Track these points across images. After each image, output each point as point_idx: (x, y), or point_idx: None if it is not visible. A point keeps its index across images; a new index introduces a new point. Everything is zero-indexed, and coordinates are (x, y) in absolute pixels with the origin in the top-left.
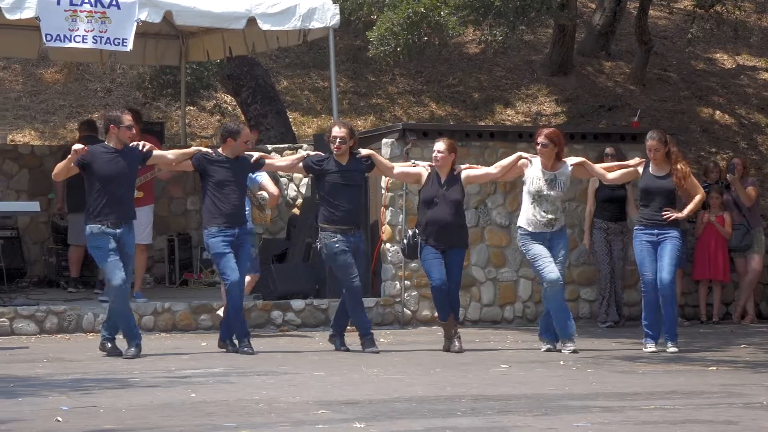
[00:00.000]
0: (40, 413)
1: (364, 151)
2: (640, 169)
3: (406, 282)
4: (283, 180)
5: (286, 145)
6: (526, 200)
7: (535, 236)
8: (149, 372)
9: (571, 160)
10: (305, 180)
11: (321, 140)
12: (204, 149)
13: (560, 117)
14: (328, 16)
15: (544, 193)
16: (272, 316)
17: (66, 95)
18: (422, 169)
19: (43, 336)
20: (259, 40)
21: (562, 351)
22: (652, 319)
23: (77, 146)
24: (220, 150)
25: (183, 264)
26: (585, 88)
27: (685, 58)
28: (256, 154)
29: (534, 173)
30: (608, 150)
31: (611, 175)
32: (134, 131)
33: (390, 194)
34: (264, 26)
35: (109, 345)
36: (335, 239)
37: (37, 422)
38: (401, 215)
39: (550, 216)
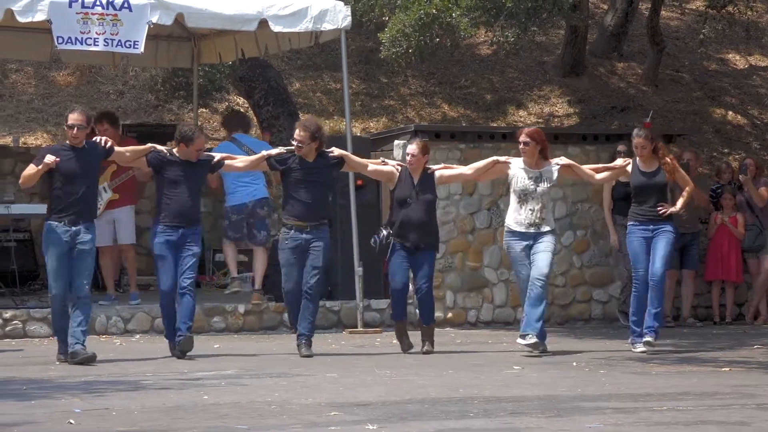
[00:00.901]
0: (52, 416)
1: (336, 152)
2: (629, 168)
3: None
4: None
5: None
6: (512, 200)
7: (522, 236)
8: (162, 374)
9: (558, 161)
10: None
11: (334, 142)
12: (159, 147)
13: (572, 118)
14: (340, 17)
15: (530, 189)
16: (285, 318)
17: (78, 98)
18: (392, 168)
19: (51, 339)
20: (271, 42)
21: (518, 341)
22: (641, 315)
23: (49, 159)
24: (174, 150)
25: None
26: (597, 89)
27: (697, 58)
28: (217, 156)
29: (518, 172)
30: (620, 147)
31: (599, 176)
32: (76, 131)
33: None
34: (276, 28)
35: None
36: (287, 235)
37: (49, 425)
38: None
39: (536, 214)
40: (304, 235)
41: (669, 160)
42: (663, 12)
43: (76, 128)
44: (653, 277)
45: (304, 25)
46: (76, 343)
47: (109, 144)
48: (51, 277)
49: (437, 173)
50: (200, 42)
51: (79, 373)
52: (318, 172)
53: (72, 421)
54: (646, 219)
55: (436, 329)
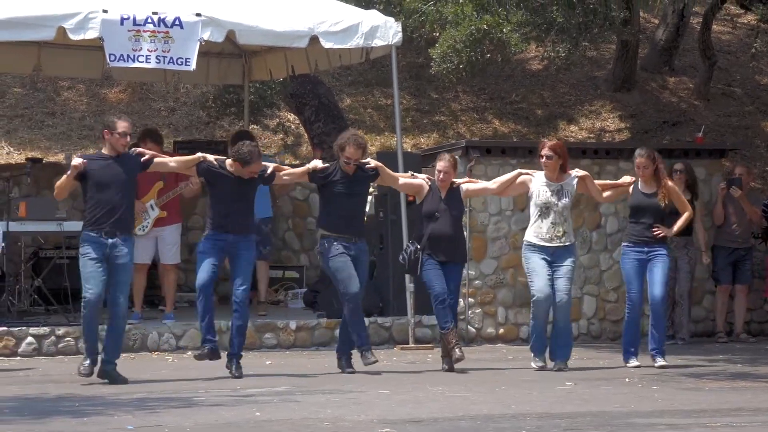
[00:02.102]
0: None
1: (373, 163)
2: (631, 188)
3: (470, 299)
4: None
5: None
6: (533, 213)
7: (541, 249)
8: (214, 391)
9: (575, 173)
10: (368, 197)
11: (384, 158)
12: (210, 157)
13: (624, 133)
14: (391, 34)
15: (552, 203)
16: (336, 335)
17: (130, 115)
18: (422, 181)
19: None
20: (322, 58)
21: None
22: (632, 336)
23: (77, 161)
24: (227, 163)
25: None
26: (649, 103)
27: (749, 72)
28: (270, 166)
29: (539, 186)
30: (677, 166)
31: (605, 195)
32: (128, 139)
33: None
34: (327, 45)
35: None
36: (332, 245)
37: None
38: (465, 232)
39: (558, 228)
40: (351, 246)
41: (667, 184)
42: (714, 26)
43: (128, 136)
44: (653, 302)
45: (355, 42)
46: (108, 362)
47: (146, 156)
48: (85, 282)
49: (463, 187)
50: (251, 59)
51: (132, 390)
52: (359, 185)
53: None
54: (641, 241)
55: (489, 345)
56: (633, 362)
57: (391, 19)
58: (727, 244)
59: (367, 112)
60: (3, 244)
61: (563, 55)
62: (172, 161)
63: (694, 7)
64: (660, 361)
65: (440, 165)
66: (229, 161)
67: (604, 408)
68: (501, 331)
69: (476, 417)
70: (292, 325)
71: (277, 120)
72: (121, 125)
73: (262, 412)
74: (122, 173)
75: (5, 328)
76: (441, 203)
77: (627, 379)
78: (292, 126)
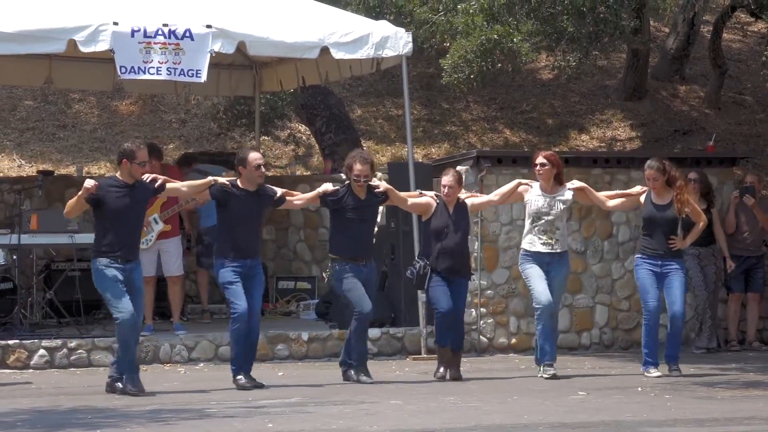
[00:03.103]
0: None
1: (382, 186)
2: (642, 198)
3: (482, 309)
4: None
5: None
6: (527, 222)
7: (535, 257)
8: (226, 402)
9: (571, 185)
10: (380, 208)
11: (395, 168)
12: (221, 180)
13: (635, 142)
14: (401, 44)
15: (544, 212)
16: None
17: (141, 127)
18: (430, 199)
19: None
20: (333, 69)
21: (542, 376)
22: (652, 345)
23: (89, 183)
24: (237, 182)
25: None
26: (660, 112)
27: (759, 81)
28: (279, 191)
29: (534, 196)
30: (692, 175)
31: (611, 203)
32: (147, 168)
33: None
34: (337, 55)
35: (120, 385)
36: (344, 267)
37: None
38: (477, 242)
39: (549, 235)
40: (362, 269)
41: (682, 194)
42: (725, 34)
43: (147, 165)
44: (674, 320)
45: (366, 52)
46: (117, 381)
47: (159, 182)
48: (116, 304)
49: (468, 202)
50: (262, 70)
51: (144, 402)
52: (369, 209)
53: None
54: (655, 254)
55: (501, 355)
56: (654, 372)
57: (402, 30)
58: (739, 252)
59: (377, 122)
60: (2, 262)
61: (574, 64)
62: (183, 186)
63: (704, 15)
64: (675, 371)
65: (445, 180)
66: (238, 180)
67: (617, 417)
68: (513, 340)
69: (489, 427)
70: (305, 336)
71: (288, 131)
72: (141, 155)
73: (275, 423)
74: (137, 201)
75: (17, 341)
76: (449, 219)
77: (639, 389)
78: (303, 137)
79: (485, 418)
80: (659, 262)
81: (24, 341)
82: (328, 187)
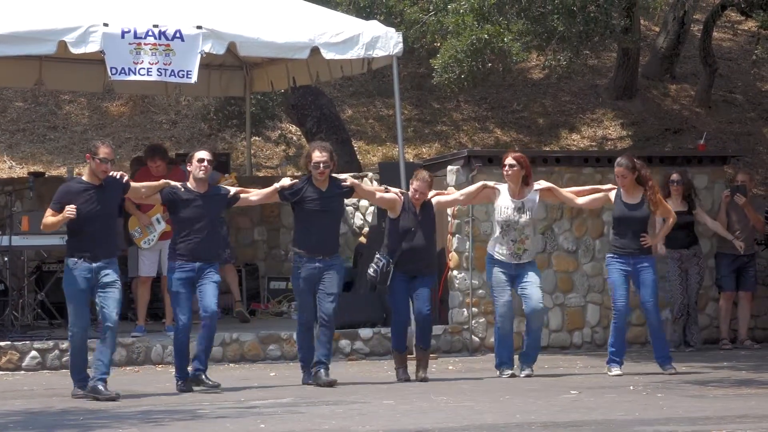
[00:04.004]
0: None
1: (349, 181)
2: (612, 196)
3: (473, 309)
4: (349, 209)
5: (351, 174)
6: (496, 229)
7: (502, 265)
8: (218, 403)
9: (538, 185)
10: (371, 208)
11: (386, 168)
12: (174, 183)
13: (626, 141)
14: (392, 44)
15: (513, 221)
16: (340, 345)
17: (132, 128)
18: (395, 196)
19: (112, 368)
20: (323, 69)
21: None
22: (619, 345)
23: (71, 212)
24: (188, 184)
25: (251, 294)
26: (650, 111)
27: (750, 79)
28: (233, 189)
29: (502, 202)
30: (674, 176)
31: (581, 200)
32: (110, 165)
33: (456, 221)
34: (328, 56)
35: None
36: (300, 264)
37: None
38: (468, 242)
39: (517, 245)
40: (317, 264)
41: (655, 192)
42: (715, 33)
43: (110, 163)
44: (650, 318)
45: (356, 52)
46: (99, 379)
47: (125, 179)
48: (71, 316)
49: (434, 200)
50: (252, 70)
51: (136, 402)
52: (332, 201)
53: None
54: (626, 253)
55: (492, 354)
56: (615, 370)
57: (392, 30)
58: (730, 251)
59: (368, 122)
60: None
61: (564, 63)
62: (142, 187)
63: (694, 14)
64: (670, 369)
65: (416, 185)
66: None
67: (609, 416)
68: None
69: (481, 426)
70: (296, 336)
71: (279, 131)
72: (103, 150)
73: (267, 423)
74: (106, 201)
75: (9, 343)
76: (416, 219)
77: (632, 387)
78: (294, 137)
79: (477, 418)
80: (631, 261)
81: (15, 343)
82: (285, 181)
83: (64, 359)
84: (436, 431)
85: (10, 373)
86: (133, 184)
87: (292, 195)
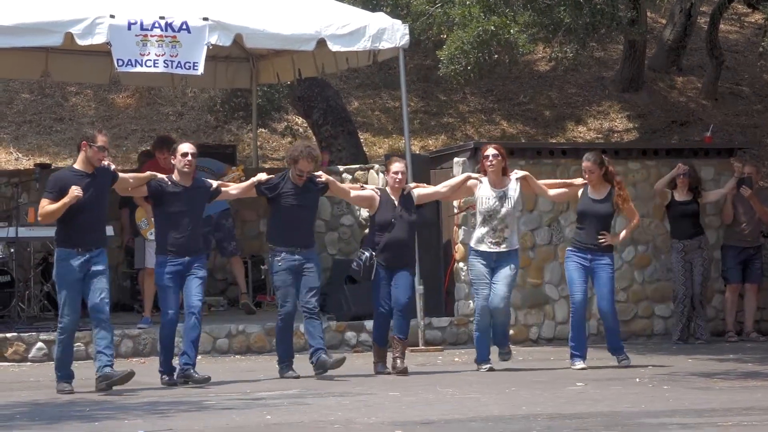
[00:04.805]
0: None
1: (324, 177)
2: (581, 191)
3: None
4: None
5: (358, 166)
6: (478, 219)
7: (483, 255)
8: (224, 394)
9: (515, 174)
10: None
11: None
12: (160, 176)
13: (632, 133)
14: (398, 36)
15: (495, 210)
16: (346, 337)
17: (138, 120)
18: (372, 193)
19: (119, 360)
20: (329, 61)
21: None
22: (579, 338)
23: (78, 191)
24: (173, 176)
25: (256, 286)
26: (657, 103)
27: (757, 71)
28: (215, 183)
29: (484, 193)
30: (681, 169)
31: (552, 192)
32: (105, 154)
33: (463, 214)
34: (334, 48)
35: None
36: (279, 257)
37: None
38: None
39: (499, 233)
40: (296, 257)
41: (621, 189)
42: (722, 25)
43: (105, 151)
44: (604, 315)
45: (362, 44)
46: (105, 366)
47: (113, 168)
48: (63, 307)
49: (414, 192)
50: (258, 62)
51: (142, 394)
52: (308, 197)
53: None
54: (585, 247)
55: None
56: (578, 364)
57: (398, 22)
58: (736, 243)
59: (374, 114)
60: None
61: (571, 55)
62: (130, 177)
63: (701, 6)
64: (624, 361)
65: (396, 167)
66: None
67: (615, 408)
68: (511, 332)
69: (487, 418)
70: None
71: (285, 123)
72: (101, 139)
73: (273, 415)
74: (98, 189)
75: (15, 334)
76: (395, 211)
77: (638, 379)
78: (300, 129)
79: (483, 410)
80: (588, 256)
81: (22, 334)
82: (262, 176)
83: None
84: (442, 423)
85: (16, 364)
86: (121, 174)
87: (269, 190)
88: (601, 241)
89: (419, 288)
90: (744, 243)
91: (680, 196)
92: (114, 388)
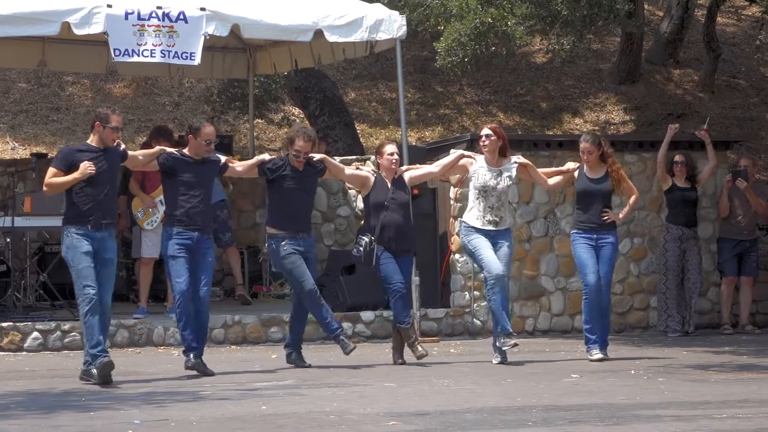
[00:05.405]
0: (112, 427)
1: (317, 156)
2: (576, 173)
3: (475, 292)
4: (352, 192)
5: (354, 157)
6: (472, 196)
7: (479, 232)
8: (220, 385)
9: (517, 158)
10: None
11: None
12: (169, 150)
13: (629, 125)
14: (395, 27)
15: (490, 186)
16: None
17: (135, 110)
18: (368, 173)
19: (114, 350)
20: (326, 52)
21: (503, 348)
22: (594, 322)
23: (92, 168)
24: (185, 150)
25: (253, 277)
26: (653, 96)
27: (753, 64)
28: (223, 158)
29: (479, 169)
30: (677, 158)
31: (551, 181)
32: (119, 134)
33: (459, 205)
34: (331, 38)
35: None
36: (283, 243)
37: None
38: None
39: (495, 211)
40: (300, 242)
41: (617, 168)
42: (719, 18)
43: (119, 131)
44: (602, 297)
45: (359, 35)
46: (104, 355)
47: (123, 147)
48: (85, 281)
49: (406, 175)
50: (255, 53)
51: (138, 384)
52: (308, 181)
53: None
54: (589, 227)
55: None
56: (596, 353)
57: (396, 13)
58: (732, 235)
59: (371, 105)
60: None
61: (568, 47)
62: (139, 154)
63: None
64: (595, 354)
65: (389, 148)
66: (186, 149)
67: (610, 400)
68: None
69: (482, 410)
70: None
71: (282, 114)
72: (115, 119)
73: (268, 405)
74: (109, 166)
75: (11, 324)
76: (389, 193)
77: (633, 371)
78: (297, 120)
79: (478, 401)
80: (594, 236)
81: (17, 324)
82: (265, 156)
83: (66, 340)
84: (437, 414)
85: (12, 353)
86: (130, 153)
87: (272, 171)
88: (604, 218)
89: (415, 279)
90: (740, 236)
91: (679, 183)
92: (111, 378)
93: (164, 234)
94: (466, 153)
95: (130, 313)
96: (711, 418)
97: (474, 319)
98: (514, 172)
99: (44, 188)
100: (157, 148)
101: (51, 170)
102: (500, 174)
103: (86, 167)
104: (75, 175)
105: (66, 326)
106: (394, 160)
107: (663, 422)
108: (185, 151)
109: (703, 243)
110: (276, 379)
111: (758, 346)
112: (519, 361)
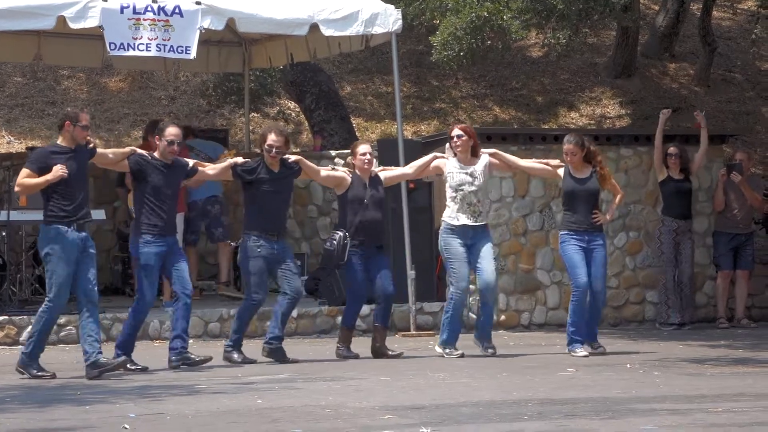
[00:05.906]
0: (107, 420)
1: (292, 157)
2: (560, 172)
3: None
4: None
5: (349, 151)
6: (449, 195)
7: (460, 232)
8: (215, 379)
9: (485, 156)
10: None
11: (385, 145)
12: (140, 151)
13: (624, 119)
14: (391, 21)
15: (467, 183)
16: (338, 322)
17: (130, 103)
18: (344, 174)
19: (110, 343)
20: (321, 46)
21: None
22: (581, 324)
23: (63, 170)
24: (155, 153)
25: None
26: (649, 89)
27: (749, 58)
28: (191, 162)
29: (453, 168)
30: (671, 150)
31: (523, 163)
32: (88, 133)
33: None
34: (326, 32)
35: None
36: (257, 244)
37: (104, 429)
38: None
39: (473, 208)
40: (275, 245)
41: (604, 169)
42: (715, 12)
43: (89, 129)
44: (595, 295)
45: (355, 29)
46: (98, 352)
47: (91, 144)
48: (59, 287)
49: (381, 175)
50: (251, 47)
51: (133, 378)
52: (284, 182)
53: (127, 426)
54: (580, 229)
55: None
56: (580, 352)
57: (391, 7)
58: (728, 229)
59: (367, 99)
60: None
61: (563, 41)
62: (110, 153)
63: None
64: (581, 351)
65: (363, 148)
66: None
67: (606, 394)
68: (502, 318)
69: (478, 403)
70: (294, 312)
71: (278, 108)
72: (84, 117)
73: (264, 399)
74: (81, 165)
75: (6, 317)
76: (365, 190)
77: (628, 365)
78: (293, 114)
79: (474, 395)
80: (585, 237)
81: (13, 317)
82: (238, 159)
83: (62, 334)
84: (433, 407)
85: (7, 347)
86: (99, 150)
87: (246, 173)
88: (594, 219)
89: (411, 273)
90: (735, 229)
91: (673, 175)
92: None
93: (141, 240)
94: (439, 154)
95: (125, 307)
96: (706, 411)
97: (470, 313)
98: (487, 168)
99: (16, 188)
100: (128, 148)
101: (24, 171)
102: (474, 172)
103: (59, 169)
104: (47, 176)
105: (62, 320)
106: (366, 161)
107: (659, 416)
108: (156, 154)
109: (698, 237)
110: (271, 372)
111: (754, 339)
112: (513, 354)
